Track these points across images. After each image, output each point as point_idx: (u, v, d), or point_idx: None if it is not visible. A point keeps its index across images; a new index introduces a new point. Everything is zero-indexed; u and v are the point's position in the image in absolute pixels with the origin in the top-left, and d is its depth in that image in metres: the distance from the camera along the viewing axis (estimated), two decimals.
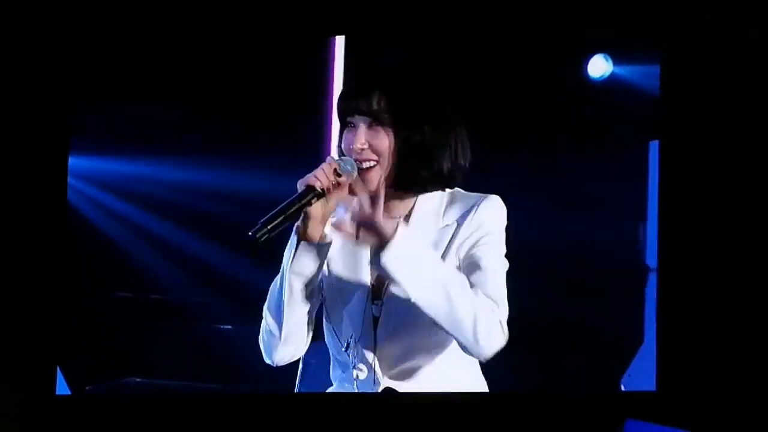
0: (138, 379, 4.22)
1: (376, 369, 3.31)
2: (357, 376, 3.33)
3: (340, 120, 3.33)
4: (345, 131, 3.30)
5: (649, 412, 3.78)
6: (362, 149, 3.26)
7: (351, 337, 3.32)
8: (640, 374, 4.12)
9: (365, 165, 3.26)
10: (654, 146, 4.21)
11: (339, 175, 3.18)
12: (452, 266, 3.23)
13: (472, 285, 3.19)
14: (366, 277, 3.33)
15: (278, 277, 3.28)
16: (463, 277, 3.19)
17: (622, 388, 4.11)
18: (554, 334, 4.08)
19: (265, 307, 3.31)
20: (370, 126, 3.27)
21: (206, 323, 4.32)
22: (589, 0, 4.07)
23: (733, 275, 4.03)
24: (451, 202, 3.34)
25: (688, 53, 4.07)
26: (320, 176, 3.15)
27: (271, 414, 4.04)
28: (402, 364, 3.32)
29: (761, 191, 4.06)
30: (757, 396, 3.93)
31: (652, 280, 4.16)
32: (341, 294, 3.33)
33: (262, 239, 3.09)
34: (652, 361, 3.93)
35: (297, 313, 3.26)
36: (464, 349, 3.19)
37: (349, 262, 3.33)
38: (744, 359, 3.98)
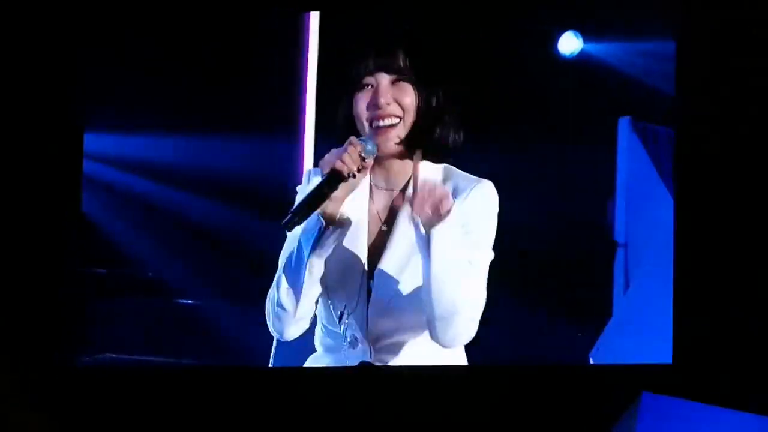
0: (113, 355, 4.24)
1: (365, 341, 3.36)
2: (347, 346, 3.37)
3: (352, 84, 3.34)
4: (360, 94, 3.33)
5: (665, 385, 3.79)
6: (388, 104, 3.29)
7: (345, 308, 3.36)
8: (612, 347, 4.16)
9: (388, 122, 3.31)
10: (623, 122, 4.24)
11: (363, 159, 3.21)
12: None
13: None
14: (364, 252, 3.37)
15: (287, 252, 3.30)
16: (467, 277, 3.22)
17: (591, 361, 4.16)
18: (524, 310, 4.12)
19: (276, 284, 3.34)
20: (393, 83, 3.30)
21: (180, 298, 4.34)
22: None
23: (746, 249, 4.04)
24: (446, 178, 3.39)
25: (701, 37, 4.08)
26: (347, 161, 3.19)
27: (248, 388, 4.07)
28: (390, 338, 3.37)
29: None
30: None
31: (620, 255, 4.21)
32: (339, 266, 3.36)
33: (292, 229, 3.18)
34: (668, 335, 3.96)
35: (314, 290, 3.31)
36: (432, 333, 3.24)
37: (350, 236, 3.35)
38: (761, 332, 4.00)
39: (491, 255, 3.34)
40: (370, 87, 3.32)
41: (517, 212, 3.93)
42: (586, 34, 4.20)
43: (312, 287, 3.29)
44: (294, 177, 4.11)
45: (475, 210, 3.32)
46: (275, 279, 3.37)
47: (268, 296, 3.38)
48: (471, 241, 3.30)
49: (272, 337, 3.59)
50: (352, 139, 3.24)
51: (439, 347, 3.34)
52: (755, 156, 4.05)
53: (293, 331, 3.36)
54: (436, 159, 3.39)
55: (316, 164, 4.19)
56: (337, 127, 3.38)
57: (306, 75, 4.17)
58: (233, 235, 4.25)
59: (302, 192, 3.37)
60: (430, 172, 3.37)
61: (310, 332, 3.49)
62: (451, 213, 3.20)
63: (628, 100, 4.20)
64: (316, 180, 3.25)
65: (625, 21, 4.15)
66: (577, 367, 4.03)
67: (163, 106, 4.28)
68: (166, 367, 4.22)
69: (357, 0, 4.11)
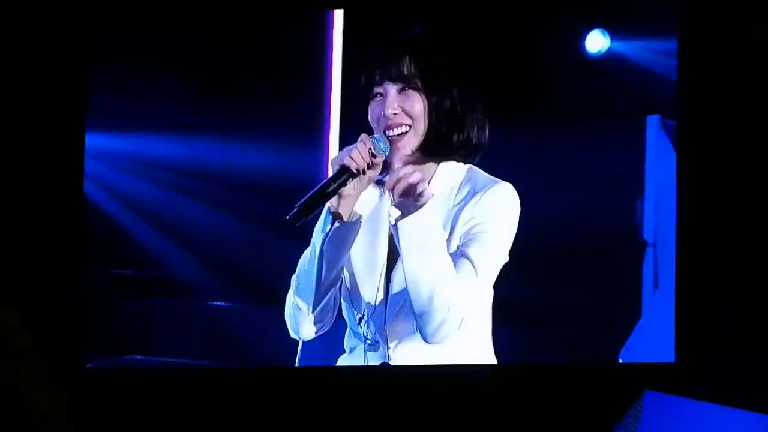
0: (139, 357, 4.24)
1: (384, 342, 3.35)
2: (367, 347, 3.37)
3: (364, 94, 3.35)
4: (372, 103, 3.33)
5: (667, 383, 3.78)
6: (395, 114, 3.29)
7: (364, 311, 3.36)
8: (642, 347, 4.14)
9: (397, 131, 3.30)
10: (652, 121, 4.22)
11: (374, 156, 3.21)
12: (448, 256, 3.24)
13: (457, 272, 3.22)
14: (383, 253, 3.37)
15: (307, 252, 3.31)
16: (453, 272, 3.20)
17: (620, 361, 4.13)
18: (553, 310, 4.10)
19: (293, 283, 3.35)
20: (400, 91, 3.30)
21: (207, 301, 4.34)
22: None
23: (750, 249, 4.03)
24: (468, 179, 3.37)
25: (705, 31, 4.06)
26: (356, 157, 3.18)
27: (271, 388, 4.07)
28: (408, 340, 3.35)
29: None
30: None
31: (650, 254, 4.18)
32: (358, 268, 3.36)
33: (298, 223, 3.13)
34: (670, 334, 3.94)
35: (327, 288, 3.30)
36: (419, 329, 3.23)
37: (369, 237, 3.37)
38: (763, 332, 3.99)
39: (500, 257, 3.31)
40: (380, 96, 3.33)
41: (546, 212, 3.92)
42: (614, 32, 4.18)
43: (324, 284, 3.29)
44: (317, 177, 4.11)
45: (485, 210, 3.29)
46: (292, 279, 3.38)
47: (287, 298, 3.38)
48: (476, 240, 3.27)
49: (295, 340, 3.59)
50: (363, 136, 3.25)
51: (460, 349, 3.32)
52: (759, 154, 4.02)
53: (308, 329, 3.36)
54: (462, 160, 3.38)
55: None
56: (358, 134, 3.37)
57: (330, 75, 4.16)
58: (253, 237, 4.24)
59: None
60: (453, 173, 3.36)
61: (332, 334, 3.48)
62: (435, 207, 3.20)
63: (656, 99, 4.17)
64: None
65: (652, 19, 4.13)
66: (580, 367, 4.01)
67: (185, 107, 4.28)
68: (181, 368, 4.22)
69: (379, 2, 4.09)
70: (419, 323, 3.22)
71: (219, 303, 4.33)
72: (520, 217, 3.40)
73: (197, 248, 4.29)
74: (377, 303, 3.34)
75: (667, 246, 4.16)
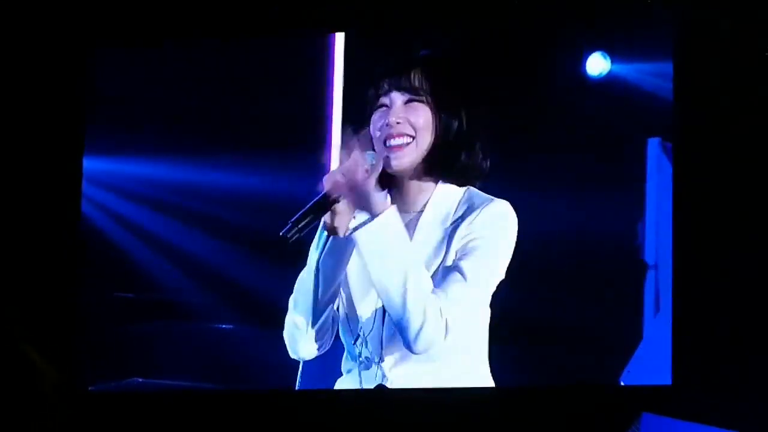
0: (141, 379, 4.24)
1: (380, 363, 3.33)
2: (362, 369, 3.35)
3: (371, 105, 3.35)
4: (376, 114, 3.32)
5: (664, 406, 3.76)
6: (398, 123, 3.28)
7: (360, 331, 3.34)
8: (642, 370, 4.12)
9: (399, 141, 3.29)
10: (653, 143, 4.21)
11: (366, 171, 3.19)
12: (420, 264, 3.22)
13: (443, 286, 3.21)
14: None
15: (304, 272, 3.31)
16: (427, 279, 3.18)
17: (621, 383, 4.12)
18: (552, 331, 4.09)
19: (291, 302, 3.34)
20: (407, 102, 3.29)
21: (207, 323, 4.34)
22: None
23: (746, 269, 4.01)
24: (467, 199, 3.36)
25: (701, 52, 4.06)
26: (340, 177, 3.18)
27: (270, 411, 4.06)
28: (406, 360, 3.33)
29: None
30: None
31: (651, 276, 4.17)
32: (355, 287, 3.35)
33: (293, 239, 3.14)
34: (667, 356, 3.92)
35: (326, 306, 3.30)
36: (403, 340, 3.22)
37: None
38: (760, 353, 3.97)
39: (493, 271, 3.30)
40: (385, 107, 3.31)
41: (546, 233, 3.91)
42: (614, 54, 4.18)
43: (322, 301, 3.29)
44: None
45: (480, 226, 3.29)
46: (290, 300, 3.37)
47: (286, 319, 3.37)
48: (469, 253, 3.26)
49: (294, 362, 3.59)
50: (355, 152, 3.23)
51: (456, 368, 3.32)
52: (755, 176, 4.02)
53: (307, 348, 3.35)
54: (460, 182, 3.37)
55: None
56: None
57: (332, 93, 4.17)
58: (253, 258, 4.24)
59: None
60: (451, 192, 3.35)
61: (332, 355, 3.47)
62: (394, 213, 3.18)
63: (657, 121, 4.17)
64: None
65: (652, 42, 4.13)
66: (576, 388, 4.00)
67: (184, 128, 4.29)
68: (181, 390, 4.22)
69: (383, 20, 4.10)
70: (400, 333, 3.21)
71: (219, 325, 4.33)
72: (519, 237, 3.39)
73: (196, 270, 4.29)
74: (374, 322, 3.32)
75: (668, 268, 4.16)
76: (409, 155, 3.30)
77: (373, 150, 3.26)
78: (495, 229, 3.30)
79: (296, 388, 3.67)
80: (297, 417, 4.00)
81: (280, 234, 3.15)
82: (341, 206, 3.19)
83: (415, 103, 3.31)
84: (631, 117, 4.18)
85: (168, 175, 4.30)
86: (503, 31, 4.17)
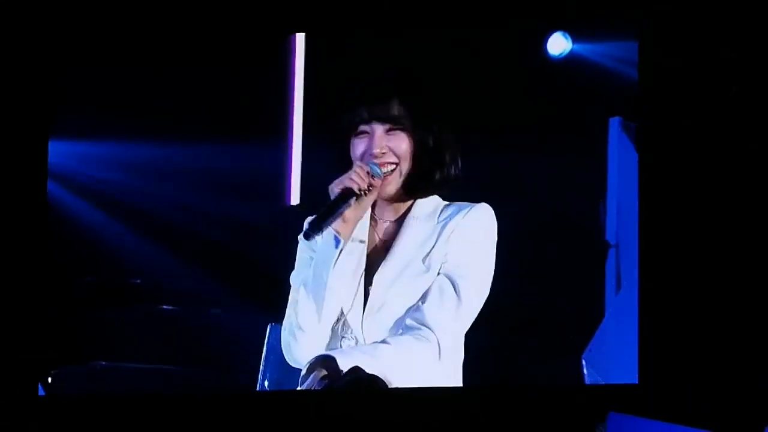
0: (104, 363, 4.24)
1: (360, 341, 3.43)
2: (341, 346, 3.42)
3: (346, 129, 3.46)
4: (356, 140, 3.45)
5: (631, 405, 3.80)
6: (383, 153, 3.41)
7: (341, 311, 3.44)
8: (604, 348, 4.16)
9: (385, 170, 3.43)
10: (614, 123, 4.23)
11: (372, 177, 3.37)
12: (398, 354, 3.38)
13: (440, 304, 3.37)
14: (363, 259, 3.46)
15: (307, 274, 3.40)
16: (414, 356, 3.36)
17: (584, 363, 4.16)
18: (515, 312, 4.12)
19: (295, 310, 3.40)
20: (387, 131, 3.42)
21: (171, 306, 4.34)
22: None
23: (713, 266, 4.04)
24: (447, 207, 3.51)
25: (666, 33, 4.07)
26: (357, 179, 3.35)
27: (236, 411, 4.06)
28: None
29: (741, 175, 4.06)
30: (740, 386, 3.96)
31: (612, 255, 4.20)
32: (339, 271, 3.43)
33: (311, 239, 3.34)
34: (633, 354, 3.96)
35: (334, 309, 3.40)
36: None
37: (356, 254, 3.47)
38: (725, 351, 4.00)
39: (485, 292, 3.42)
40: (365, 134, 3.43)
41: (508, 213, 3.93)
42: (575, 34, 4.19)
43: (332, 303, 3.38)
44: (281, 186, 4.14)
45: (468, 229, 3.44)
46: (291, 303, 3.43)
47: (283, 325, 3.44)
48: (463, 275, 3.40)
49: (261, 341, 3.62)
50: (358, 162, 3.39)
51: (407, 345, 3.39)
52: (720, 156, 4.05)
53: (308, 352, 3.38)
54: (438, 192, 3.51)
55: (304, 172, 4.23)
56: (333, 165, 3.46)
57: (293, 88, 4.20)
58: (227, 245, 4.27)
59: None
60: (426, 206, 3.49)
61: None
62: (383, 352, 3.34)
63: (618, 101, 4.19)
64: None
65: (614, 21, 4.14)
66: (544, 388, 4.04)
67: (153, 111, 4.28)
68: (155, 375, 4.23)
69: (343, 23, 4.11)
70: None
71: (183, 308, 4.33)
72: None
73: (162, 254, 4.30)
74: (354, 301, 3.41)
75: (630, 247, 4.18)
76: (395, 182, 3.44)
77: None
78: (483, 234, 3.45)
79: (261, 370, 3.69)
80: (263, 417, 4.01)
81: (301, 236, 3.35)
82: (348, 214, 3.36)
83: (397, 132, 3.42)
84: (593, 97, 4.19)
85: (134, 160, 4.30)
86: (459, 13, 4.17)
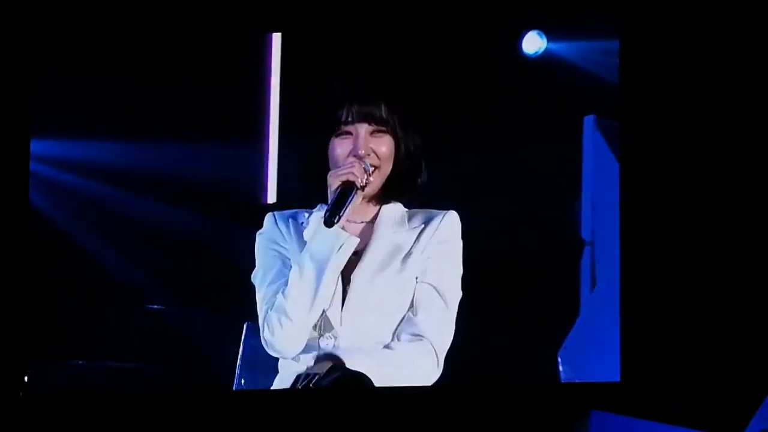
0: (81, 362, 4.24)
1: (338, 340, 3.41)
2: (320, 344, 3.41)
3: (327, 128, 3.43)
4: (337, 139, 3.43)
5: (613, 403, 3.81)
6: (368, 155, 3.40)
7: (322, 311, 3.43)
8: (579, 346, 4.18)
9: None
10: (588, 121, 4.26)
11: (367, 172, 3.36)
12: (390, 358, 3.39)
13: (427, 308, 3.39)
14: (344, 258, 3.42)
15: (301, 264, 3.37)
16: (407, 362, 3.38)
17: (559, 360, 4.18)
18: (492, 310, 4.13)
19: (287, 306, 3.36)
20: (371, 133, 3.40)
21: (148, 305, 4.35)
22: None
23: (695, 262, 4.05)
24: (414, 212, 3.50)
25: (646, 32, 4.08)
26: (357, 173, 3.33)
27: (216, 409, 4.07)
28: (362, 340, 3.43)
29: (723, 171, 4.07)
30: (723, 384, 3.97)
31: (587, 253, 4.23)
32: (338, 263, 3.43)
33: (331, 226, 3.29)
34: (614, 352, 3.98)
35: (325, 300, 3.39)
36: None
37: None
38: (708, 348, 4.01)
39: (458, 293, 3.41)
40: (349, 135, 3.41)
41: (483, 211, 3.95)
42: (550, 33, 4.21)
43: (327, 297, 3.37)
44: (257, 184, 4.15)
45: (445, 236, 3.44)
46: (264, 299, 3.41)
47: (264, 317, 3.40)
48: (444, 279, 3.41)
49: (237, 340, 3.62)
50: (353, 158, 3.36)
51: (409, 354, 3.40)
52: (703, 153, 4.06)
53: (295, 342, 3.38)
54: (408, 197, 3.51)
55: (280, 169, 4.24)
56: (307, 165, 3.45)
57: (270, 87, 4.21)
58: (196, 241, 4.27)
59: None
60: (392, 210, 3.49)
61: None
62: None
63: (593, 99, 4.21)
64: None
65: (587, 20, 4.16)
66: (526, 386, 4.05)
67: (129, 112, 4.29)
68: (134, 374, 4.23)
69: (318, 22, 4.12)
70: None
71: (161, 306, 4.34)
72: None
73: (147, 253, 4.31)
74: (333, 299, 3.39)
75: (604, 244, 4.21)
76: (375, 183, 3.42)
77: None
78: (457, 240, 3.44)
79: (237, 368, 3.70)
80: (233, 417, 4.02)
81: (324, 222, 3.28)
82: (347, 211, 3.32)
83: (381, 134, 3.41)
84: (568, 95, 4.21)
85: (109, 160, 4.30)
86: (433, 11, 4.18)
